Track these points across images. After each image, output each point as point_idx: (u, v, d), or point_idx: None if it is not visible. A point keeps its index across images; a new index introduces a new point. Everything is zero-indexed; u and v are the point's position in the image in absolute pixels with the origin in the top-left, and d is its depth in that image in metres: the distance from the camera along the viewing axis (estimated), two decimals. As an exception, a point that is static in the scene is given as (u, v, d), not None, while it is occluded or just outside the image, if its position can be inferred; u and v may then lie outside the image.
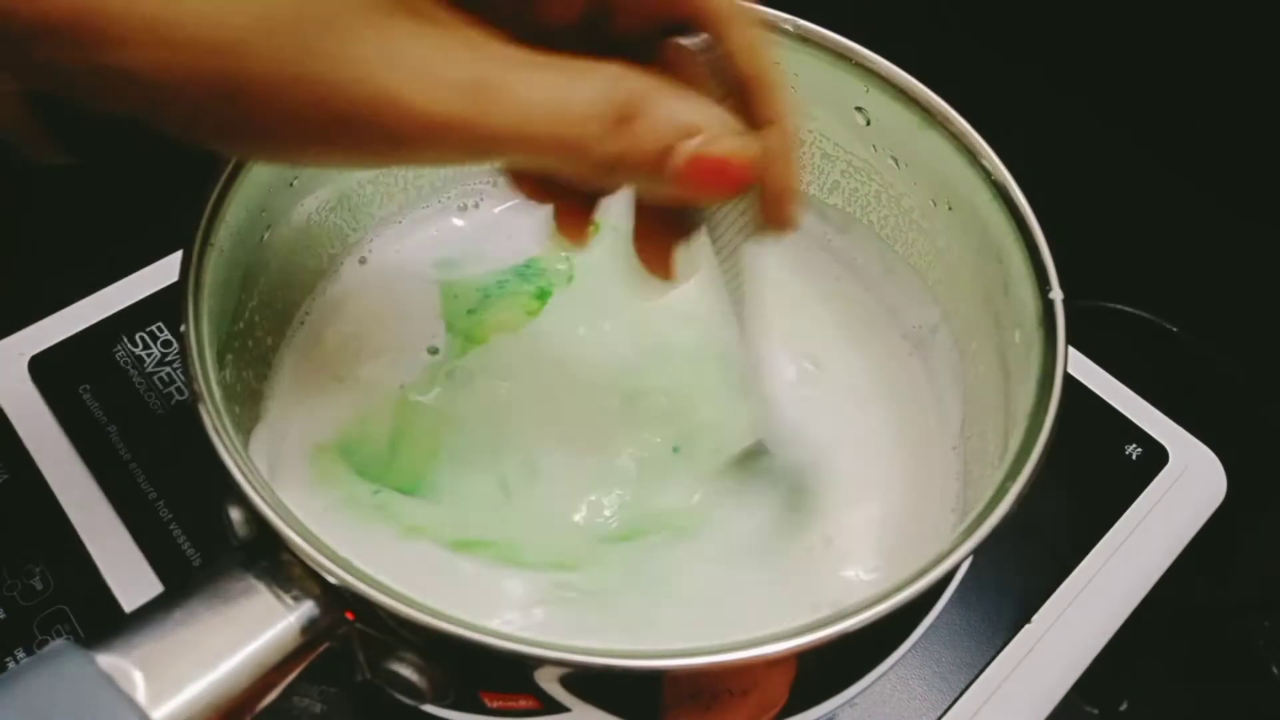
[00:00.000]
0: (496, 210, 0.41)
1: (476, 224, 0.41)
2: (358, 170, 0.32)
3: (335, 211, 0.37)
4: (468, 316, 0.37)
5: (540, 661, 0.23)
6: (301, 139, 0.19)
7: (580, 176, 0.22)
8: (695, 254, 0.27)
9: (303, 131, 0.19)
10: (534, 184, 0.26)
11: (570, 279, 0.39)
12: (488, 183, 0.41)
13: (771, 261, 0.39)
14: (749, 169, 0.22)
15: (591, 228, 0.28)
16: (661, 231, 0.27)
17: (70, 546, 0.38)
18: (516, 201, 0.41)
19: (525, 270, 0.39)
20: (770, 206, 0.25)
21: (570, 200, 0.27)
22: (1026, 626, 0.39)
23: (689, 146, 0.21)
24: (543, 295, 0.38)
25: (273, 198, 0.33)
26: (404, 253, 0.40)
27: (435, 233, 0.41)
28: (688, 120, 0.21)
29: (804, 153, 0.39)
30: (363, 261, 0.39)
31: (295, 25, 0.18)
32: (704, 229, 0.27)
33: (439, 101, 0.19)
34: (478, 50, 0.20)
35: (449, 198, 0.41)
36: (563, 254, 0.39)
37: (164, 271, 0.46)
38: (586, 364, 0.37)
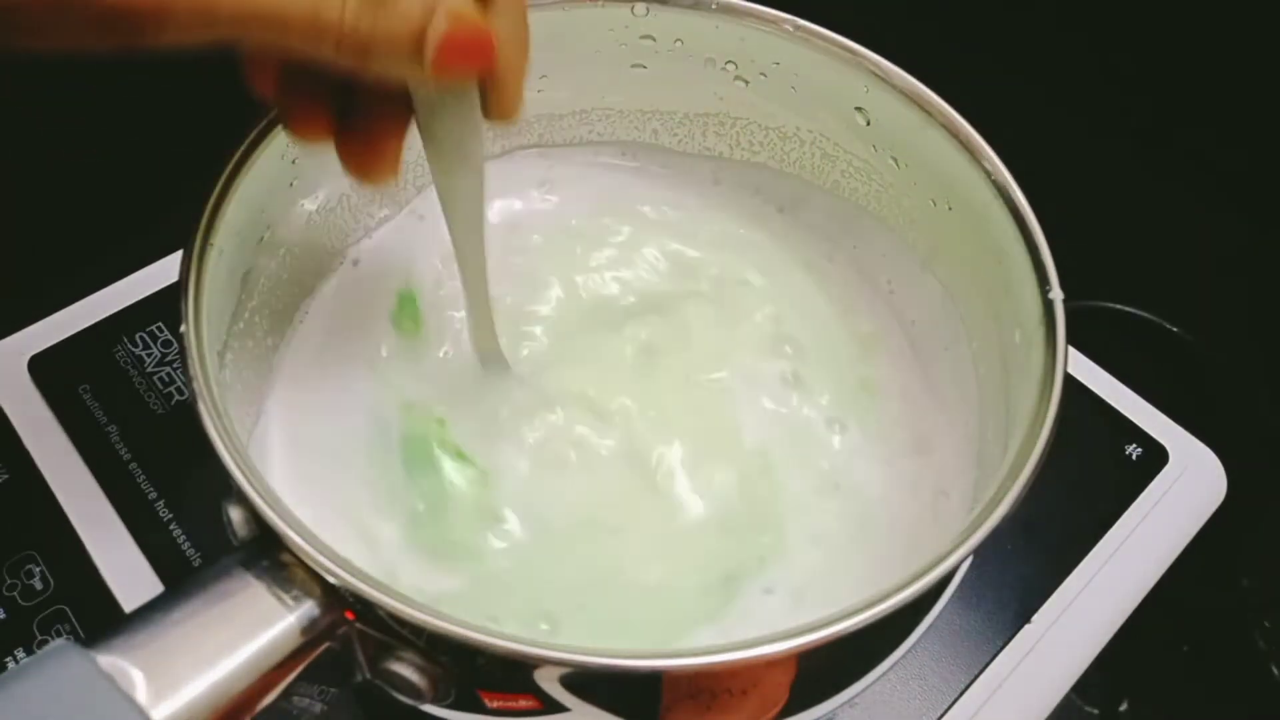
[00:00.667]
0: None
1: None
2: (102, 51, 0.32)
3: (335, 212, 0.37)
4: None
5: (540, 661, 0.23)
6: (17, 28, 0.20)
7: (329, 60, 0.22)
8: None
9: (17, 21, 0.20)
10: (273, 79, 0.26)
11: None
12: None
13: (772, 259, 0.40)
14: (494, 47, 0.23)
15: (391, 161, 0.27)
16: (379, 125, 0.26)
17: (70, 546, 0.38)
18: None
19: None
20: (499, 91, 0.25)
21: (312, 101, 0.26)
22: (1026, 626, 0.39)
23: (440, 25, 0.21)
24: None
25: (272, 198, 0.33)
26: (404, 253, 0.40)
27: (435, 232, 0.41)
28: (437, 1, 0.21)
29: (801, 150, 0.39)
30: (356, 264, 0.39)
31: None
32: (420, 119, 0.26)
33: None
34: None
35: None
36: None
37: (164, 272, 0.46)
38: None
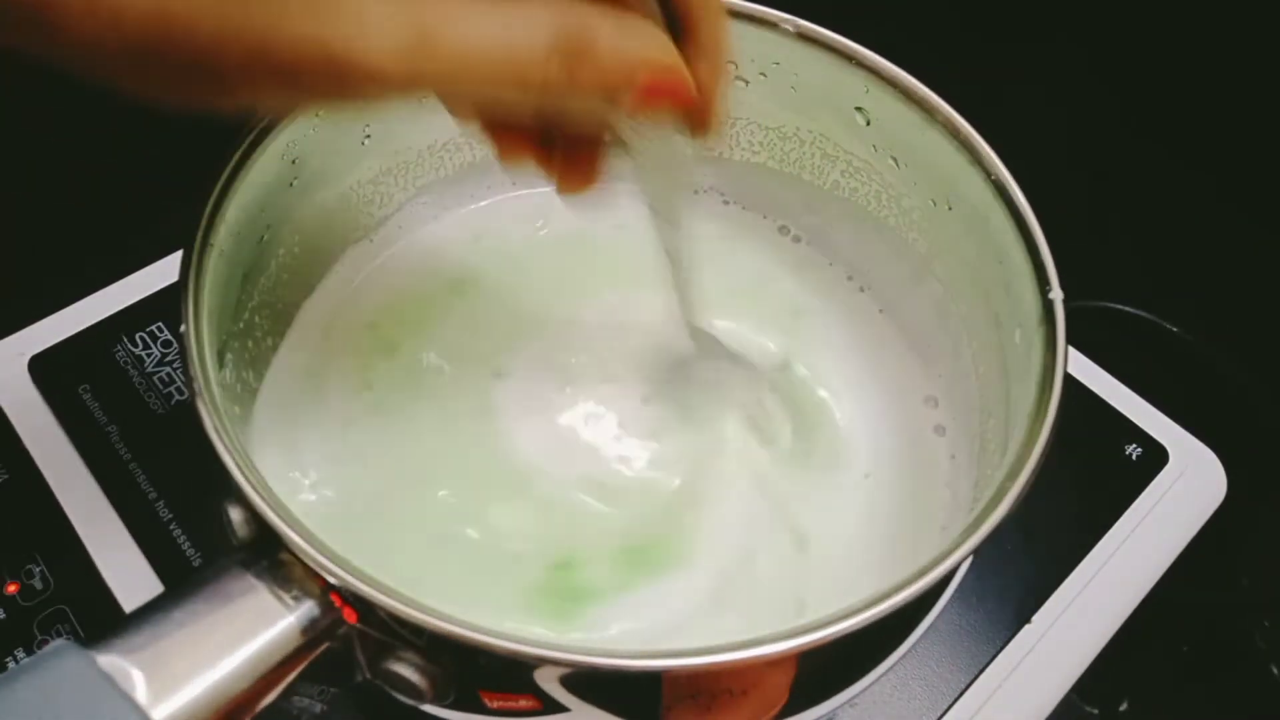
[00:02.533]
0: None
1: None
2: (314, 109, 0.33)
3: (335, 212, 0.37)
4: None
5: (540, 661, 0.23)
6: (247, 89, 0.20)
7: (530, 108, 0.22)
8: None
9: (248, 82, 0.19)
10: (474, 111, 0.26)
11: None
12: (488, 187, 0.41)
13: (772, 257, 0.40)
14: (690, 91, 0.23)
15: (592, 174, 0.27)
16: (580, 144, 0.27)
17: (70, 546, 0.38)
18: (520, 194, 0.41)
19: None
20: (699, 115, 0.25)
21: (515, 129, 0.27)
22: (1026, 626, 0.39)
23: (640, 79, 0.22)
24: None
25: (273, 198, 0.33)
26: (405, 252, 0.40)
27: (437, 233, 0.41)
28: (636, 54, 0.22)
29: (801, 150, 0.39)
30: (355, 265, 0.39)
31: None
32: (624, 136, 0.27)
33: (378, 51, 0.19)
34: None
35: (451, 198, 0.41)
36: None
37: (164, 272, 0.46)
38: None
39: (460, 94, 0.22)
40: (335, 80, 0.19)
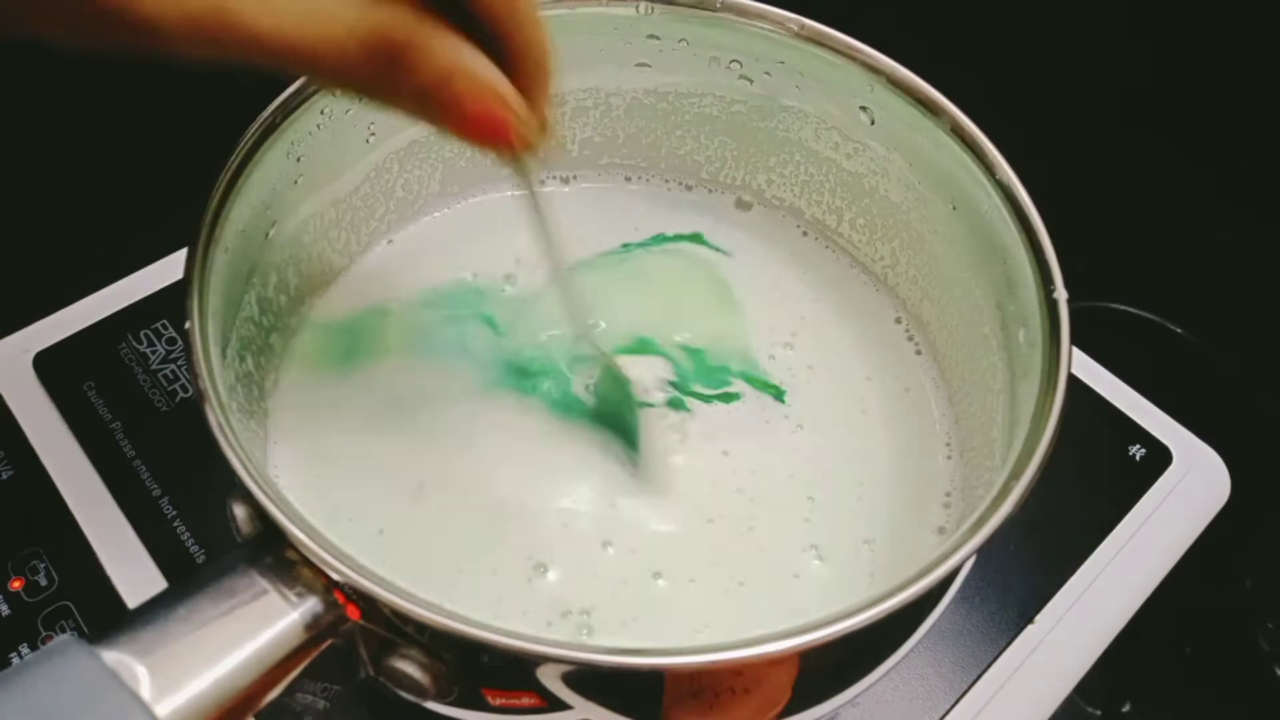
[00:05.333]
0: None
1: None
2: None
3: (341, 210, 0.37)
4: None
5: (542, 659, 0.23)
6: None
7: (348, 92, 0.22)
8: None
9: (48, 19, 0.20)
10: None
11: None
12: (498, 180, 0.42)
13: (771, 259, 0.40)
14: (510, 122, 0.22)
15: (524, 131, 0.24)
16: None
17: (75, 543, 0.38)
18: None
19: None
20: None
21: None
22: (1029, 627, 0.39)
23: (454, 97, 0.21)
24: None
25: (277, 195, 0.33)
26: (407, 253, 0.40)
27: (439, 233, 0.41)
28: (454, 69, 0.21)
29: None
30: (360, 262, 0.39)
31: None
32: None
33: (176, 6, 0.19)
34: None
35: (459, 192, 0.41)
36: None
37: (169, 269, 0.46)
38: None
39: (270, 60, 0.21)
40: (119, 27, 0.19)
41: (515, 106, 0.23)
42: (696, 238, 0.41)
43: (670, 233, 0.41)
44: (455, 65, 0.21)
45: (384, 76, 0.21)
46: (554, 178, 0.42)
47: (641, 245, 0.40)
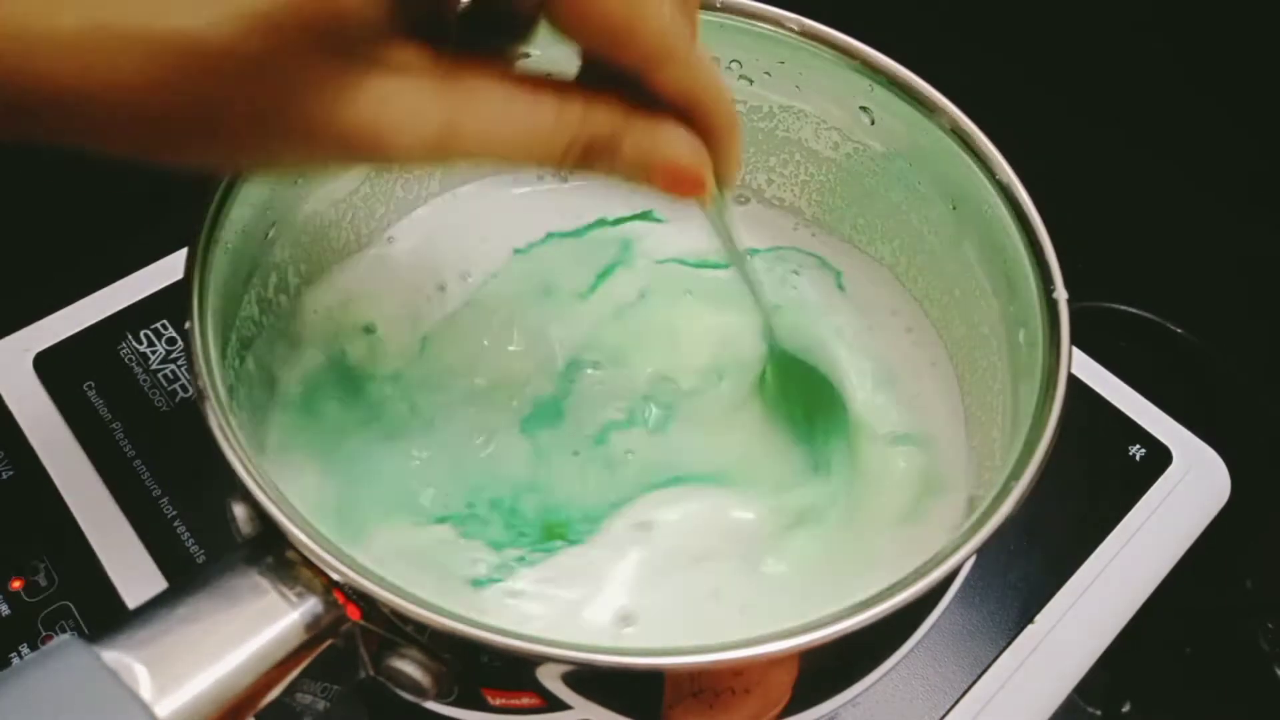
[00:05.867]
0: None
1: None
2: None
3: (341, 209, 0.37)
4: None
5: (542, 659, 0.23)
6: (287, 160, 0.22)
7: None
8: None
9: (289, 156, 0.22)
10: None
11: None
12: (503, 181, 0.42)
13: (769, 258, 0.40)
14: (705, 183, 0.26)
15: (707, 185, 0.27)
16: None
17: (75, 543, 0.38)
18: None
19: None
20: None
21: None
22: (1029, 627, 0.39)
23: (657, 175, 0.25)
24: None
25: (277, 195, 0.33)
26: (410, 250, 0.40)
27: (446, 228, 0.41)
28: (654, 155, 0.24)
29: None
30: (368, 255, 0.39)
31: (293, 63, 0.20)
32: None
33: (410, 140, 0.21)
34: (447, 92, 0.22)
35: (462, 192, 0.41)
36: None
37: (169, 269, 0.46)
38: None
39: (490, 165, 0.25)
40: (368, 157, 0.21)
41: (703, 164, 0.25)
42: (646, 215, 0.41)
43: (611, 217, 0.41)
44: (651, 154, 0.24)
45: (592, 165, 0.24)
46: (554, 175, 0.42)
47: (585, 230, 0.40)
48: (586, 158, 0.23)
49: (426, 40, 0.21)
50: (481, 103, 0.22)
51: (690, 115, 0.25)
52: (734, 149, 0.26)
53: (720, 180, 0.27)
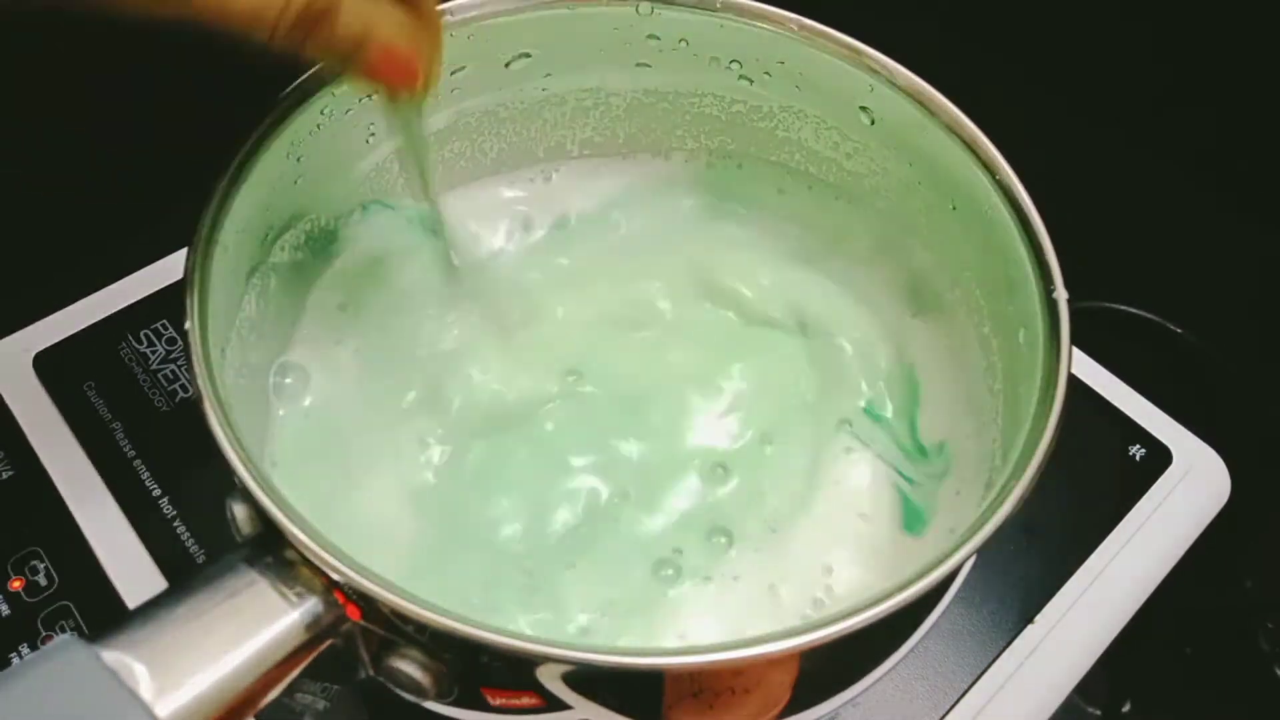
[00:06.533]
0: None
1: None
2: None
3: (341, 209, 0.37)
4: None
5: (542, 658, 0.23)
6: None
7: (270, 46, 0.24)
8: None
9: None
10: None
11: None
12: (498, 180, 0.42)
13: (769, 257, 0.40)
14: (419, 65, 0.26)
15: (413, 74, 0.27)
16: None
17: (75, 543, 0.38)
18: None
19: None
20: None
21: None
22: (1029, 627, 0.39)
23: (375, 47, 0.25)
24: None
25: (278, 195, 0.33)
26: (411, 250, 0.40)
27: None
28: (368, 27, 0.25)
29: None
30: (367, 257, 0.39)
31: None
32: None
33: None
34: None
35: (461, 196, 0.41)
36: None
37: (169, 269, 0.46)
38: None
39: (203, 17, 0.23)
40: None
41: (418, 52, 0.26)
42: None
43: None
44: (368, 29, 0.25)
45: (310, 40, 0.24)
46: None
47: None
48: (301, 26, 0.23)
49: None
50: None
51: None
52: (439, 41, 0.27)
53: (425, 76, 0.27)
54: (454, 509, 0.33)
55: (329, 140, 0.34)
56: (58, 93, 0.48)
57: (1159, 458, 0.44)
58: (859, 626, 0.23)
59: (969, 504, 0.33)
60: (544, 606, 0.31)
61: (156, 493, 0.40)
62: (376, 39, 0.25)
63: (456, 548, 0.32)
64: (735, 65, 0.37)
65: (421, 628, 0.24)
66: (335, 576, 0.24)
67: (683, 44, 0.37)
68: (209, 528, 0.39)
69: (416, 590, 0.23)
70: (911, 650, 0.32)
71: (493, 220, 0.40)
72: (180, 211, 0.30)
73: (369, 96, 0.31)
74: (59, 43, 0.43)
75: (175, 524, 0.39)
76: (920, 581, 0.24)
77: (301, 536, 0.24)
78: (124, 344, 0.43)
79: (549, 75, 0.38)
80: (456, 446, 0.35)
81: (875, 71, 0.34)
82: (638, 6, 0.36)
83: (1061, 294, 0.29)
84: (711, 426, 0.36)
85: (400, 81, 0.26)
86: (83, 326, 0.44)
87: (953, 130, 0.33)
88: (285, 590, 0.24)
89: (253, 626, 0.23)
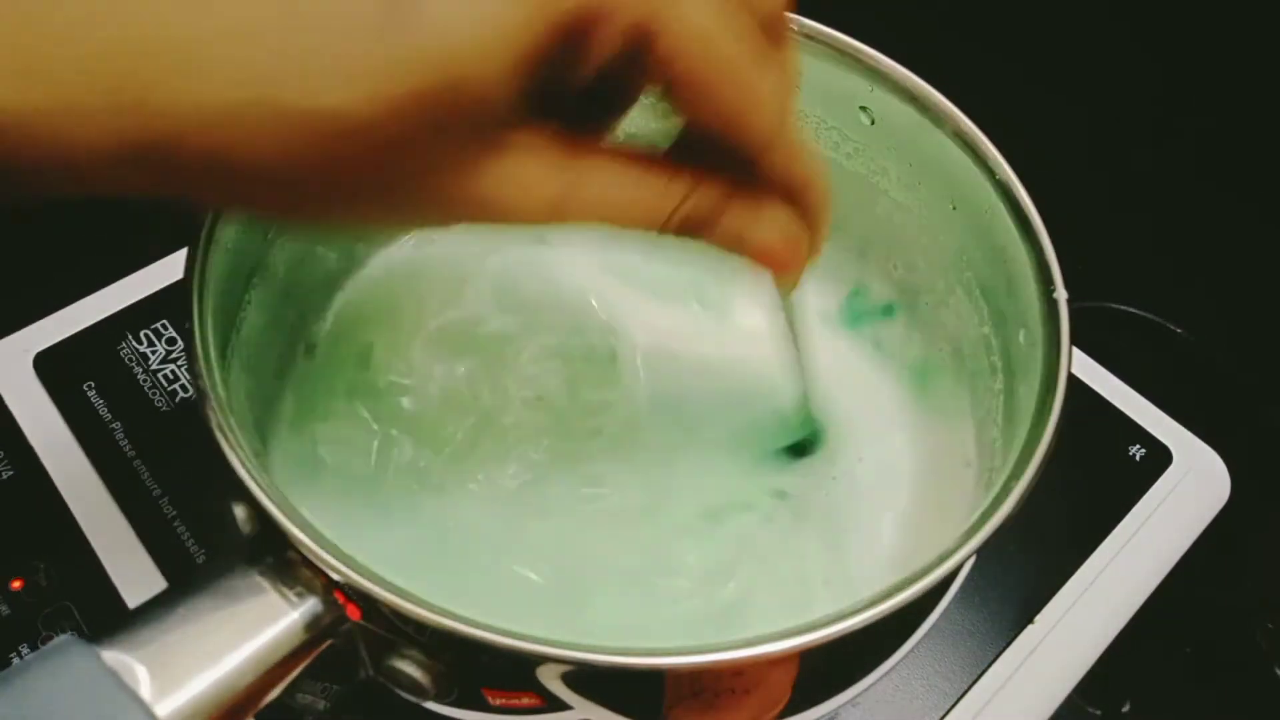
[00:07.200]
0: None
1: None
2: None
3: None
4: None
5: (542, 659, 0.23)
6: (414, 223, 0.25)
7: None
8: None
9: (417, 220, 0.25)
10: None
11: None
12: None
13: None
14: (798, 263, 0.26)
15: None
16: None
17: (75, 543, 0.38)
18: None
19: None
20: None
21: None
22: (1029, 627, 0.39)
23: (753, 250, 0.25)
24: None
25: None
26: (415, 257, 0.40)
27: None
28: (750, 237, 0.25)
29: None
30: (364, 263, 0.39)
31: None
32: None
33: (530, 206, 0.22)
34: (563, 168, 0.23)
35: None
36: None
37: (169, 269, 0.46)
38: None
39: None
40: (489, 221, 0.22)
41: (795, 246, 0.26)
42: None
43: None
44: (744, 233, 0.25)
45: (691, 236, 0.25)
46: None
47: None
48: (685, 228, 0.24)
49: (545, 115, 0.22)
50: (595, 175, 0.23)
51: (788, 194, 0.26)
52: (824, 229, 0.27)
53: (800, 269, 0.27)
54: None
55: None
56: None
57: (1159, 458, 0.44)
58: (859, 626, 0.23)
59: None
60: None
61: (156, 493, 0.40)
62: (753, 241, 0.25)
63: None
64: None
65: (421, 628, 0.24)
66: (335, 576, 0.24)
67: (683, 44, 0.37)
68: (209, 528, 0.39)
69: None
70: (911, 650, 0.32)
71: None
72: (181, 211, 0.30)
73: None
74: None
75: (175, 524, 0.39)
76: (920, 581, 0.24)
77: (302, 537, 0.24)
78: (124, 344, 0.43)
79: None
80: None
81: (875, 72, 0.34)
82: (638, 7, 0.36)
83: (1061, 294, 0.29)
84: None
85: (779, 271, 0.26)
86: (83, 326, 0.44)
87: (953, 130, 0.33)
88: (285, 590, 0.24)
89: (253, 627, 0.23)
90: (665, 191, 0.24)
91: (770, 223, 0.25)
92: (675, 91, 0.22)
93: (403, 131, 0.20)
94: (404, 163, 0.21)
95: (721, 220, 0.25)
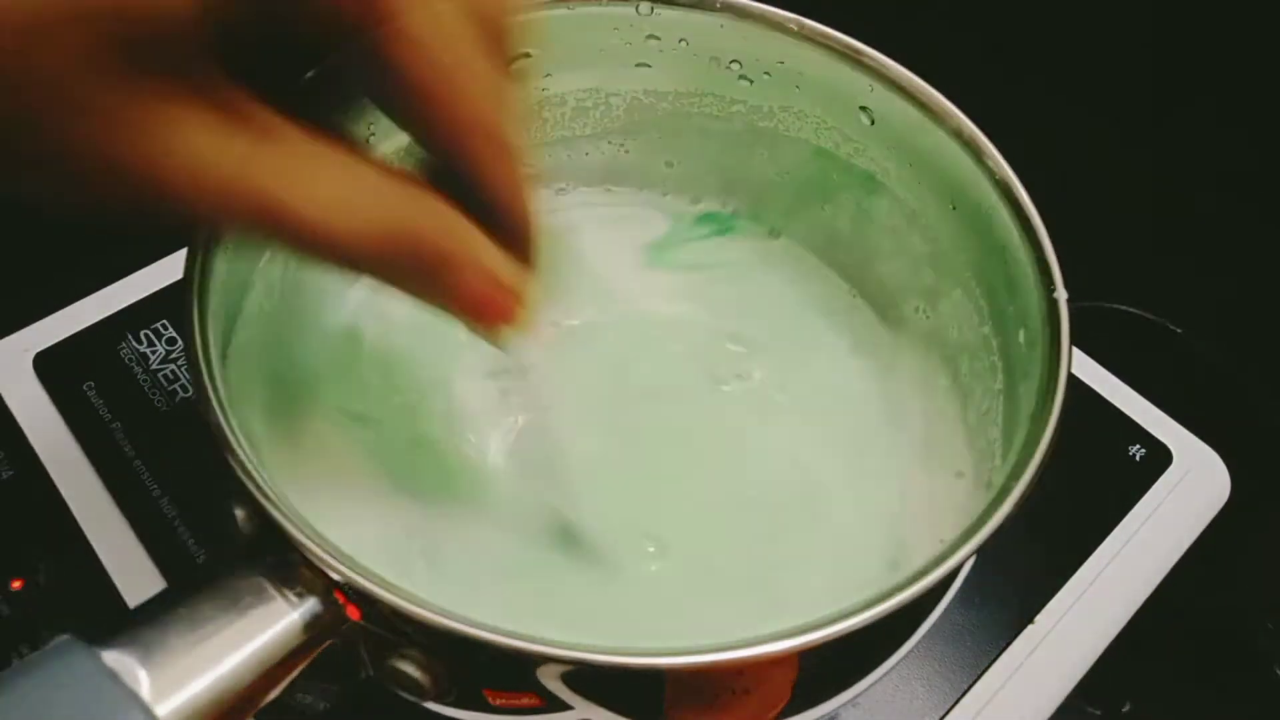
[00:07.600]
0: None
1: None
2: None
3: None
4: None
5: (543, 659, 0.23)
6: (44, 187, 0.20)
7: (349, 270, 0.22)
8: None
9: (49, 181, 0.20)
10: None
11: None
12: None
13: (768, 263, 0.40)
14: (514, 310, 0.23)
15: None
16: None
17: (75, 543, 0.38)
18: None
19: None
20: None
21: None
22: (1029, 627, 0.39)
23: (474, 288, 0.22)
24: None
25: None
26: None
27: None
28: (482, 265, 0.22)
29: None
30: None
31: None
32: None
33: (202, 182, 0.19)
34: (259, 139, 0.19)
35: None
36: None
37: (169, 269, 0.46)
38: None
39: (278, 242, 0.22)
40: (141, 194, 0.19)
41: (517, 296, 0.23)
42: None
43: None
44: (471, 263, 0.22)
45: (398, 272, 0.22)
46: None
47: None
48: (394, 248, 0.21)
49: (238, 74, 0.19)
50: (287, 159, 0.19)
51: (508, 234, 0.23)
52: (536, 276, 0.24)
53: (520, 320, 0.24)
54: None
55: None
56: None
57: (1159, 458, 0.44)
58: (859, 626, 0.23)
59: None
60: None
61: (156, 493, 0.40)
62: (468, 283, 0.22)
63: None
64: (735, 65, 0.37)
65: (421, 628, 0.24)
66: (335, 576, 0.24)
67: (683, 44, 0.37)
68: (209, 528, 0.39)
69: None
70: (912, 650, 0.32)
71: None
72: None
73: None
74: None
75: (175, 524, 0.39)
76: (920, 581, 0.24)
77: (302, 537, 0.24)
78: (124, 344, 0.43)
79: (549, 75, 0.38)
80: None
81: (875, 71, 0.34)
82: (638, 6, 0.36)
83: (1061, 294, 0.29)
84: None
85: (492, 321, 0.24)
86: (83, 326, 0.44)
87: (953, 130, 0.33)
88: (285, 590, 0.24)
89: (253, 627, 0.23)
90: (381, 192, 0.21)
91: (495, 253, 0.23)
92: (390, 75, 0.20)
93: (56, 51, 0.16)
94: (51, 93, 0.17)
95: (438, 245, 0.21)
